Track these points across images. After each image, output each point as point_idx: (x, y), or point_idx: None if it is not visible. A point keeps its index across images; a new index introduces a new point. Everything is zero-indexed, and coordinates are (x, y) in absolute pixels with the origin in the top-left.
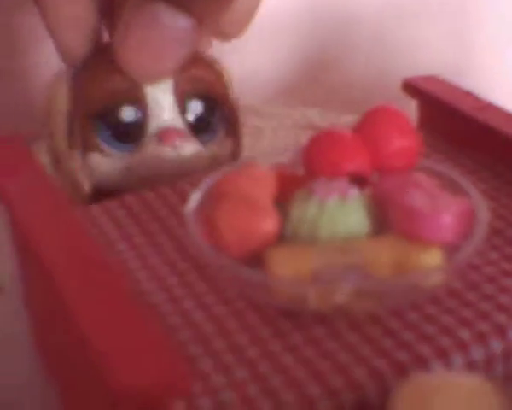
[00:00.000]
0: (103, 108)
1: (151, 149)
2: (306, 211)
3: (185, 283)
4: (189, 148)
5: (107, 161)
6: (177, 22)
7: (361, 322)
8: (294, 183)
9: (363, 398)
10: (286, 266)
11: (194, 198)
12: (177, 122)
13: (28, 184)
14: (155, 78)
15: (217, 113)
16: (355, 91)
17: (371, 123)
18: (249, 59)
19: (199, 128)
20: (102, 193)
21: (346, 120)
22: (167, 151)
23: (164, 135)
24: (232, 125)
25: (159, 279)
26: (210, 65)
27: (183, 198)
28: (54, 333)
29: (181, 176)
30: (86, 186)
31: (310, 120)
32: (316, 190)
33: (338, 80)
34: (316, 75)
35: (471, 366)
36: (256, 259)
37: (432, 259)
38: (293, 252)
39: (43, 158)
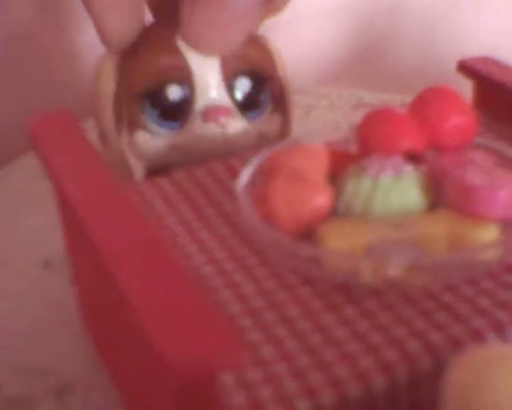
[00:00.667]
0: (150, 86)
1: (197, 128)
2: (360, 187)
3: (235, 257)
4: (235, 125)
5: (153, 140)
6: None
7: (415, 296)
8: (347, 160)
9: (417, 372)
10: (339, 241)
11: (246, 174)
12: (224, 100)
13: (76, 160)
14: (222, 51)
15: (265, 90)
16: (407, 74)
17: (427, 101)
18: (302, 40)
19: (246, 106)
20: (150, 171)
21: (397, 101)
22: (212, 129)
23: (209, 113)
24: (280, 103)
25: (209, 253)
26: (258, 42)
27: (234, 175)
28: (102, 309)
29: (227, 154)
30: (134, 164)
31: (361, 101)
32: (369, 166)
33: (391, 62)
34: (368, 57)
35: None
36: (308, 234)
37: (487, 234)
38: (346, 226)
39: (91, 136)
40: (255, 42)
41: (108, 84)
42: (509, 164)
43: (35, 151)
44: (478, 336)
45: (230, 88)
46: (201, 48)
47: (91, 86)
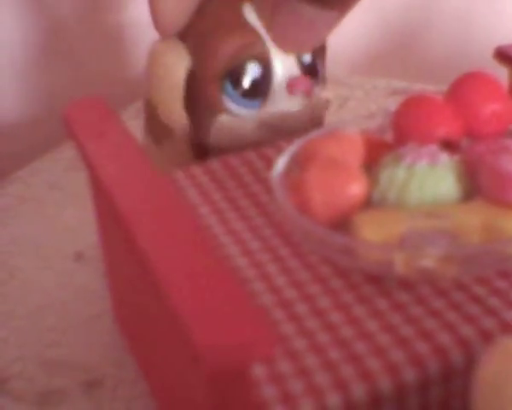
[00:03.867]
0: (230, 67)
1: (281, 101)
2: (395, 175)
3: (269, 248)
4: (316, 93)
5: (237, 121)
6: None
7: (446, 288)
8: (383, 148)
9: (448, 365)
10: (373, 231)
11: (280, 163)
12: (297, 70)
13: (112, 147)
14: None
15: (321, 60)
16: (442, 64)
17: (463, 88)
18: (337, 31)
19: (310, 74)
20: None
21: (432, 90)
22: (297, 100)
23: (293, 84)
24: (323, 71)
25: (242, 244)
26: None
27: (268, 164)
28: (134, 301)
29: (313, 125)
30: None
31: (396, 90)
32: (405, 154)
33: (425, 53)
34: (402, 48)
35: None
36: (343, 224)
37: None
38: (381, 216)
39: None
40: None
41: (177, 72)
42: None
43: (70, 138)
44: (509, 330)
45: (299, 60)
46: (284, 47)
47: (145, 75)
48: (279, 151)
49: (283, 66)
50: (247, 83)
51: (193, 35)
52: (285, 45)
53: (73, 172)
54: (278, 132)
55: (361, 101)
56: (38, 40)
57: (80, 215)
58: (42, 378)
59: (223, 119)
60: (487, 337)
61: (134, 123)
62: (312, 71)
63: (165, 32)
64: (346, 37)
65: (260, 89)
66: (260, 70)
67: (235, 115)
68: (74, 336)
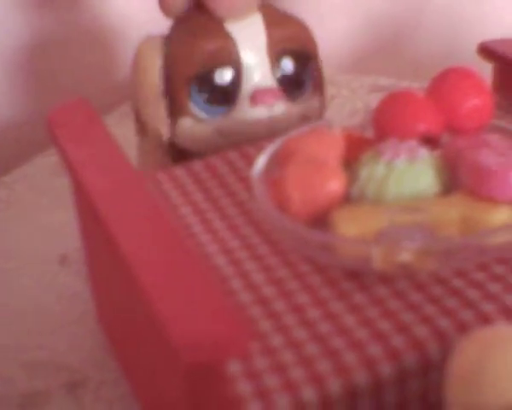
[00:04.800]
0: (199, 72)
1: (243, 111)
2: (374, 171)
3: (248, 246)
4: (282, 106)
5: (198, 126)
6: None
7: (425, 282)
8: (363, 144)
9: (426, 358)
10: (352, 226)
11: (261, 162)
12: (270, 81)
13: (93, 150)
14: (240, 13)
15: (307, 70)
16: (429, 61)
17: (443, 84)
18: (324, 29)
19: (289, 85)
20: (189, 156)
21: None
22: (261, 112)
23: (257, 95)
24: (319, 83)
25: (222, 243)
26: (301, 23)
27: (250, 163)
28: (116, 302)
29: (271, 137)
30: (173, 149)
31: (381, 88)
32: (384, 150)
33: (412, 51)
34: (389, 45)
35: None
36: (322, 221)
37: (500, 217)
38: (359, 212)
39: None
40: (299, 22)
41: (153, 72)
42: None
43: (52, 142)
44: (487, 322)
45: (276, 69)
46: (219, 10)
47: (130, 76)
48: (261, 150)
49: (256, 75)
50: (214, 88)
51: (173, 36)
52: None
53: (58, 176)
54: (237, 141)
55: (347, 99)
56: (24, 44)
57: (65, 219)
58: (24, 380)
59: (185, 122)
60: (465, 330)
61: (119, 126)
62: (293, 83)
63: (168, 11)
64: (333, 35)
65: (227, 96)
66: (230, 77)
67: (199, 120)
68: (57, 337)
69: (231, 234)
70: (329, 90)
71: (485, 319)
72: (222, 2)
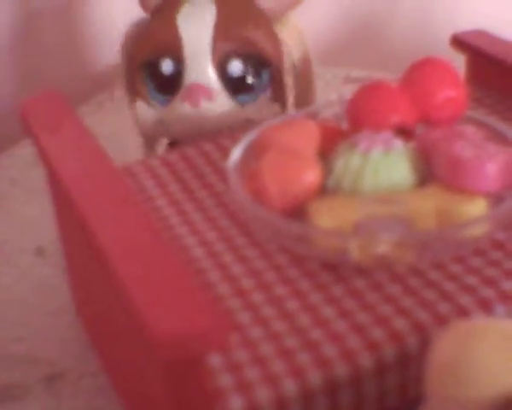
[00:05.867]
0: (148, 58)
1: (176, 105)
2: (350, 162)
3: (225, 238)
4: (216, 107)
5: (146, 110)
6: None
7: (402, 274)
8: (338, 135)
9: (404, 350)
10: (328, 218)
11: (236, 153)
12: (213, 80)
13: (68, 141)
14: None
15: (260, 76)
16: (403, 53)
17: (417, 75)
18: (297, 22)
19: (237, 88)
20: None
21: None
22: (188, 109)
23: (186, 92)
24: (281, 90)
25: (199, 234)
26: (265, 25)
27: (226, 155)
28: (94, 295)
29: (202, 135)
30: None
31: (355, 79)
32: (359, 141)
33: (386, 43)
34: (363, 38)
35: None
36: (298, 212)
37: (476, 209)
38: (335, 204)
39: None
40: (259, 23)
41: (123, 53)
42: (500, 138)
43: (26, 133)
44: (464, 314)
45: (221, 68)
46: None
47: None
48: (236, 141)
49: (196, 71)
50: (160, 77)
51: (140, 24)
52: None
53: (34, 168)
54: (173, 134)
55: (321, 90)
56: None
57: (41, 211)
58: (3, 373)
59: (140, 105)
60: (443, 322)
61: (96, 114)
62: (241, 86)
63: (146, 8)
64: (306, 27)
65: (171, 86)
66: (172, 68)
67: (150, 105)
68: (35, 330)
69: (208, 226)
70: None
71: (463, 312)
72: None
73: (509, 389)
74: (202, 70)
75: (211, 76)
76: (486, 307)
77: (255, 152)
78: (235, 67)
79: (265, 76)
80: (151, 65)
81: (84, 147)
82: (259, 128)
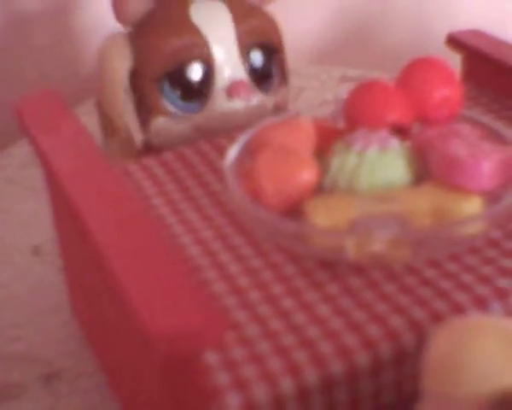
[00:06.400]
0: (169, 68)
1: (220, 105)
2: (346, 161)
3: (222, 236)
4: (256, 98)
5: (174, 124)
6: None
7: (398, 272)
8: (335, 135)
9: (400, 348)
10: (324, 217)
11: (233, 152)
12: (242, 74)
13: (65, 140)
14: None
15: (275, 62)
16: (399, 53)
17: (413, 74)
18: (292, 21)
19: (260, 77)
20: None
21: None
22: (237, 104)
23: (233, 89)
24: (284, 74)
25: (195, 233)
26: (267, 15)
27: (222, 154)
28: (90, 293)
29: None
30: (140, 146)
31: (351, 79)
32: (355, 140)
33: (382, 42)
34: (359, 38)
35: (511, 314)
36: (295, 211)
37: (471, 207)
38: (331, 202)
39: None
40: (265, 15)
41: (121, 69)
42: (495, 137)
43: (22, 132)
44: (460, 312)
45: (247, 62)
46: None
47: (95, 71)
48: (232, 141)
49: (227, 69)
50: (187, 85)
51: (140, 34)
52: None
53: (31, 167)
54: (216, 135)
55: (317, 90)
56: None
57: (38, 210)
58: (0, 372)
59: (159, 121)
60: (439, 320)
61: (92, 115)
62: (263, 75)
63: (123, 20)
64: (302, 27)
65: (201, 91)
66: (202, 72)
67: (174, 117)
68: (32, 329)
69: (205, 225)
70: (299, 81)
71: (459, 309)
72: None
73: (504, 385)
74: (233, 66)
75: (241, 70)
76: (482, 304)
77: (251, 151)
78: (257, 57)
79: (276, 62)
80: (174, 75)
81: (80, 146)
82: (255, 128)
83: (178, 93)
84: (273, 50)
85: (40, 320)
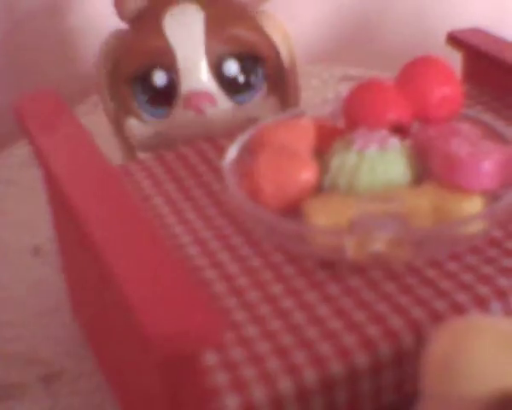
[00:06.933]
0: (138, 70)
1: (179, 115)
2: (346, 161)
3: (221, 236)
4: (219, 111)
5: (141, 127)
6: None
7: (398, 272)
8: (335, 134)
9: (400, 348)
10: (324, 216)
11: (232, 151)
12: (210, 84)
13: (64, 140)
14: None
15: (256, 72)
16: (399, 52)
17: (413, 73)
18: (293, 20)
19: (236, 89)
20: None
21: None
22: (193, 116)
23: (188, 100)
24: (276, 84)
25: (195, 233)
26: (251, 21)
27: (222, 154)
28: (90, 294)
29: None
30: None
31: (352, 78)
32: (355, 139)
33: (382, 41)
34: (359, 36)
35: (511, 314)
36: (294, 211)
37: (472, 206)
38: (331, 202)
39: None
40: (246, 20)
41: (104, 68)
42: (496, 136)
43: (22, 131)
44: (460, 312)
45: (217, 71)
46: None
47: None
48: (233, 141)
49: (193, 78)
50: (153, 90)
51: (127, 33)
52: None
53: (30, 167)
54: (176, 144)
55: (317, 89)
56: None
57: (37, 210)
58: (0, 373)
59: (131, 121)
60: (439, 320)
61: (91, 115)
62: (238, 85)
63: (122, 15)
64: (303, 26)
65: (165, 98)
66: (166, 79)
67: (144, 121)
68: (32, 330)
69: (204, 224)
70: (299, 80)
71: (459, 309)
72: None
73: (504, 386)
74: (199, 76)
75: (208, 80)
76: (482, 304)
77: (251, 151)
78: (231, 67)
79: (260, 72)
80: (141, 78)
81: (80, 146)
82: (255, 127)
83: (146, 97)
84: (254, 60)
85: (40, 321)
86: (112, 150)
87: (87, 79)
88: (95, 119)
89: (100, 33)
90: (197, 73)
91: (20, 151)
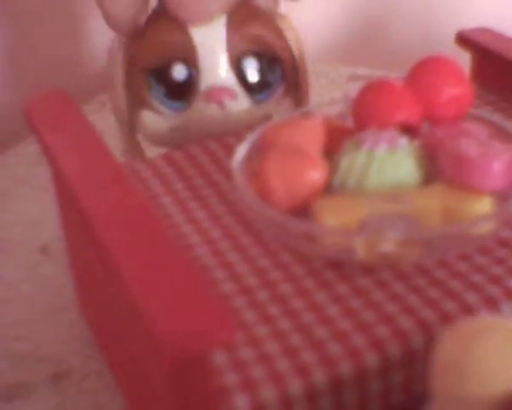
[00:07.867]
0: (156, 63)
1: (199, 108)
2: (355, 160)
3: (230, 236)
4: (238, 106)
5: (158, 120)
6: None
7: (407, 272)
8: (344, 134)
9: (409, 348)
10: (333, 216)
11: (241, 151)
12: (230, 81)
13: (73, 139)
14: (201, 19)
15: (274, 71)
16: (408, 51)
17: (422, 73)
18: (301, 19)
19: (254, 87)
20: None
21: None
22: (214, 110)
23: (210, 94)
24: (292, 84)
25: (204, 233)
26: (270, 22)
27: (231, 153)
28: (99, 293)
29: (228, 135)
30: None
31: (360, 77)
32: (365, 139)
33: (390, 41)
34: (368, 36)
35: None
36: (303, 211)
37: (482, 207)
38: (340, 202)
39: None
40: (268, 22)
41: (119, 64)
42: (505, 136)
43: (31, 130)
44: (470, 312)
45: (237, 69)
46: (181, 14)
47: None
48: (241, 140)
49: (213, 74)
50: (171, 83)
51: (135, 33)
52: (185, 12)
53: (38, 165)
54: (194, 138)
55: (326, 89)
56: (2, 34)
57: (46, 208)
58: (9, 372)
59: (146, 114)
60: (448, 320)
61: (98, 114)
62: (257, 84)
63: (116, 29)
64: (311, 25)
65: (184, 92)
66: (186, 73)
67: (160, 113)
68: (40, 328)
69: (213, 224)
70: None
71: (468, 310)
72: (187, 7)
73: None
74: (219, 72)
75: (228, 77)
76: (492, 305)
77: (260, 150)
78: (251, 65)
79: (278, 73)
80: (160, 71)
81: (88, 145)
82: (264, 126)
83: (164, 90)
84: (272, 60)
85: (48, 319)
86: (118, 150)
87: (96, 78)
88: (102, 117)
89: (109, 33)
90: (218, 70)
91: (29, 149)
